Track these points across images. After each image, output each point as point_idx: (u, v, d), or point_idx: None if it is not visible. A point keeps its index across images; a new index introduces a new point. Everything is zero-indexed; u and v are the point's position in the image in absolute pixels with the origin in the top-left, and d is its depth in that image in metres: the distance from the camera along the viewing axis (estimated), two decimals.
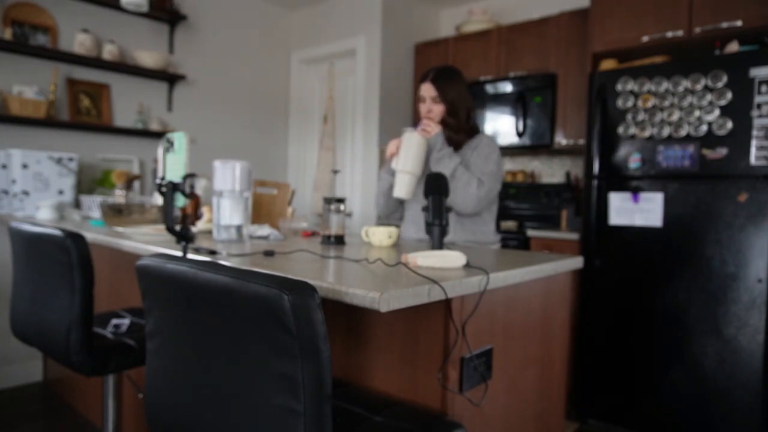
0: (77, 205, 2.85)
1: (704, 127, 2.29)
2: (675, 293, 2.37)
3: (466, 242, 1.94)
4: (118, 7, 3.19)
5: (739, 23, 2.32)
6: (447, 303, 1.06)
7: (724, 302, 2.24)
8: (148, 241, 1.60)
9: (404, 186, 1.90)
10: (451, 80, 1.95)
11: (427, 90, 1.96)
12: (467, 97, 1.99)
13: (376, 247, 1.67)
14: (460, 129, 1.96)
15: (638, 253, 2.47)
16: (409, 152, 1.89)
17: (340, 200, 1.73)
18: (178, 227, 1.25)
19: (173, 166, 1.33)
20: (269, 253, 1.32)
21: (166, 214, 1.27)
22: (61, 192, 2.77)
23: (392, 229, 1.69)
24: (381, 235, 1.68)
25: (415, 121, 3.94)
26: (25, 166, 2.64)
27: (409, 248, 1.61)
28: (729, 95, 2.22)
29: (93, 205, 2.59)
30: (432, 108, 1.96)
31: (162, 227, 1.90)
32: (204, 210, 2.15)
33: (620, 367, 2.52)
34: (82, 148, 3.18)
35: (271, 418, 0.73)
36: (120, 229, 1.87)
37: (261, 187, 2.16)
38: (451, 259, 1.17)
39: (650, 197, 2.44)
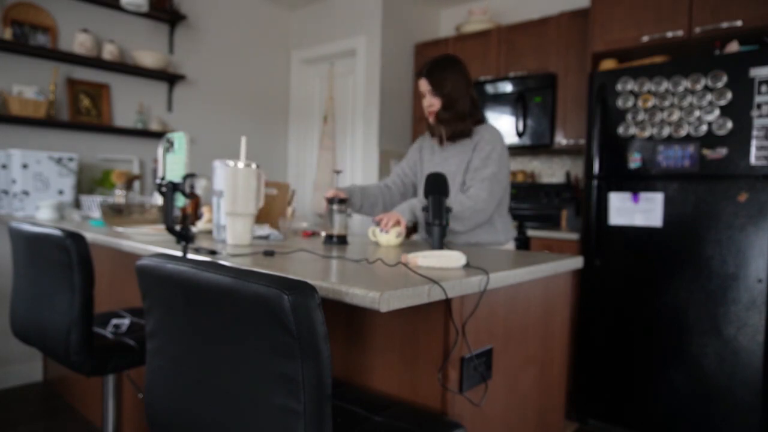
0: (77, 205, 2.85)
1: (704, 127, 2.29)
2: (675, 293, 2.37)
3: (467, 244, 1.90)
4: (118, 7, 3.19)
5: (739, 23, 2.32)
6: (447, 303, 1.06)
7: (724, 302, 2.24)
8: (148, 241, 1.60)
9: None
10: (445, 71, 1.89)
11: (423, 85, 1.92)
12: (466, 87, 1.91)
13: (384, 246, 1.66)
14: (458, 120, 1.89)
15: (638, 253, 2.47)
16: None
17: (343, 200, 1.72)
18: (178, 227, 1.25)
19: (173, 166, 1.34)
20: (269, 253, 1.32)
21: (166, 214, 1.27)
22: (61, 192, 2.77)
23: (400, 229, 1.68)
24: (389, 235, 1.68)
25: (415, 120, 3.94)
26: (25, 166, 2.64)
27: (417, 248, 1.61)
28: (729, 95, 2.22)
29: (93, 205, 2.59)
30: (433, 102, 1.91)
31: (162, 227, 1.90)
32: (204, 210, 2.15)
33: (620, 367, 2.52)
34: (82, 148, 3.18)
35: (271, 418, 0.73)
36: (120, 229, 1.87)
37: None
38: (451, 259, 1.17)
39: (650, 197, 2.44)
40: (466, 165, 1.89)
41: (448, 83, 1.88)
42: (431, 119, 1.95)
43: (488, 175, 1.82)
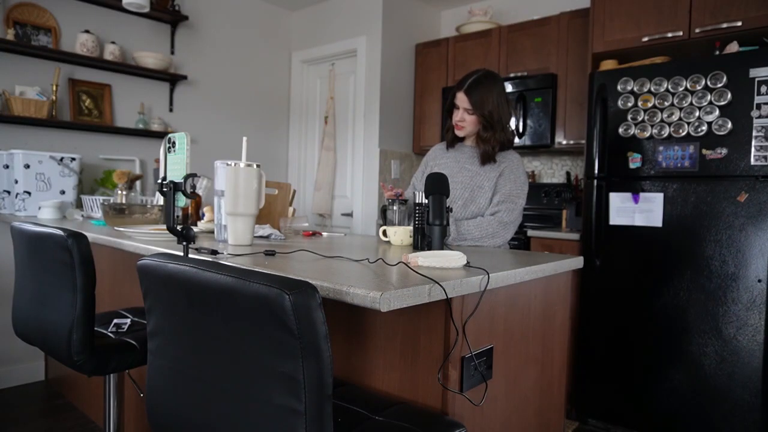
0: (79, 205, 2.86)
1: (704, 127, 2.29)
2: (675, 293, 2.37)
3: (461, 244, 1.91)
4: (119, 8, 3.20)
5: (739, 23, 2.32)
6: (447, 303, 1.06)
7: (724, 302, 2.25)
8: (149, 241, 1.60)
9: None
10: (488, 91, 1.89)
11: (461, 100, 1.92)
12: (505, 109, 1.93)
13: (397, 246, 1.66)
14: (497, 142, 1.93)
15: (638, 253, 2.48)
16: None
17: (404, 201, 1.92)
18: (179, 227, 1.25)
19: (174, 166, 1.34)
20: (270, 253, 1.33)
21: (167, 214, 1.27)
22: (62, 192, 2.78)
23: (412, 228, 1.67)
24: (402, 235, 1.67)
25: (415, 120, 3.94)
26: (27, 167, 2.65)
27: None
28: (729, 95, 2.22)
29: (95, 205, 2.60)
30: (465, 118, 1.94)
31: (163, 227, 1.90)
32: (205, 210, 2.16)
33: (620, 367, 2.52)
34: (84, 148, 3.18)
35: (272, 417, 0.74)
36: (121, 229, 1.88)
37: None
38: (451, 259, 1.17)
39: (650, 197, 2.44)
40: (493, 185, 1.93)
41: (490, 104, 1.89)
42: (458, 132, 2.00)
43: (514, 194, 1.90)
